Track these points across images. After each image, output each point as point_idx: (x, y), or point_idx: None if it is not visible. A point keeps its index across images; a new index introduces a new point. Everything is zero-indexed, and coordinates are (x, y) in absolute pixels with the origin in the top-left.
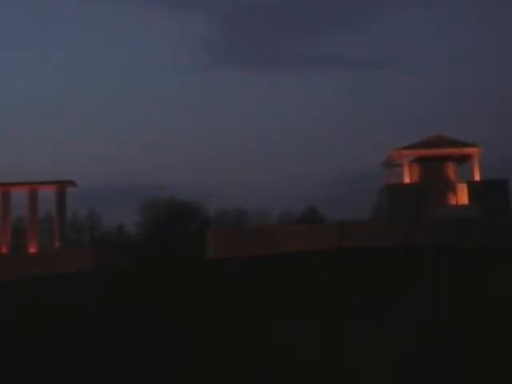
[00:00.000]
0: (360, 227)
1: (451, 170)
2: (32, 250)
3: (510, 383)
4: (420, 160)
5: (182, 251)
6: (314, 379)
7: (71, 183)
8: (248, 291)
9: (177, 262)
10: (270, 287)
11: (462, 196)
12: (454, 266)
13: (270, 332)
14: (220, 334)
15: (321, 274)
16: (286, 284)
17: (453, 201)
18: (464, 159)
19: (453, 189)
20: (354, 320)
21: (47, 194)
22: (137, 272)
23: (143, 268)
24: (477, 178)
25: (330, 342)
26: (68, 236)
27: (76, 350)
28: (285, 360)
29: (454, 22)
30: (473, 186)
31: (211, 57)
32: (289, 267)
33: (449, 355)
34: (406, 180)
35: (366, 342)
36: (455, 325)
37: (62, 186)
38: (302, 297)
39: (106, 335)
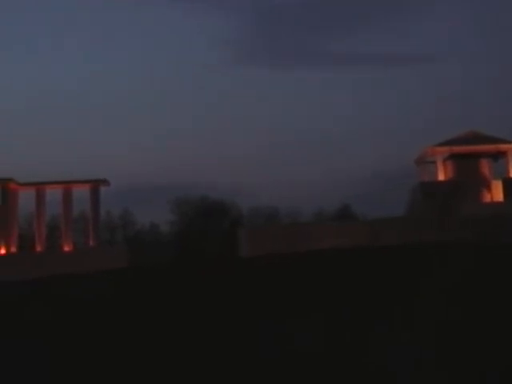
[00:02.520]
0: (393, 224)
1: (486, 166)
2: (66, 248)
3: None
4: (454, 157)
5: (215, 250)
6: (334, 376)
7: (104, 182)
8: (278, 289)
9: (209, 261)
10: (301, 284)
11: (497, 193)
12: (488, 263)
13: (293, 329)
14: (250, 331)
15: (352, 271)
16: (316, 281)
17: (487, 198)
18: (499, 156)
19: (487, 186)
20: (379, 318)
21: (81, 192)
22: (169, 271)
23: (176, 267)
24: None
25: (353, 340)
26: (102, 234)
27: (108, 348)
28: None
29: (491, 18)
30: (508, 183)
31: (239, 55)
32: (320, 265)
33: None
34: (440, 177)
35: (390, 341)
36: (487, 324)
37: (95, 184)
38: (329, 294)
39: (138, 333)
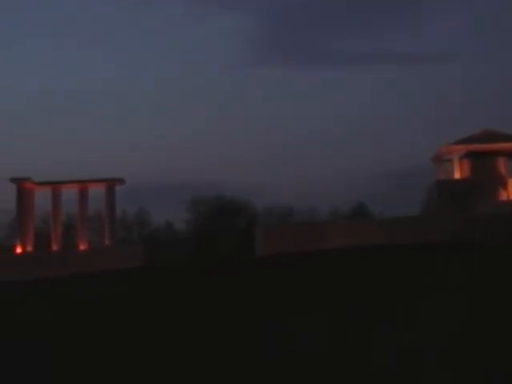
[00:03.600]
0: (409, 223)
1: (502, 164)
2: (82, 247)
3: None
4: (470, 155)
5: (230, 249)
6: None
7: (120, 181)
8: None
9: (221, 260)
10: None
11: None
12: (504, 264)
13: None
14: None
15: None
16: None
17: (504, 196)
18: None
19: (504, 184)
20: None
21: (97, 191)
22: (180, 270)
23: (187, 266)
24: None
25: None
26: (118, 233)
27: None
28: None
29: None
30: None
31: (257, 55)
32: (326, 264)
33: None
34: (456, 176)
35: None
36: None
37: (111, 183)
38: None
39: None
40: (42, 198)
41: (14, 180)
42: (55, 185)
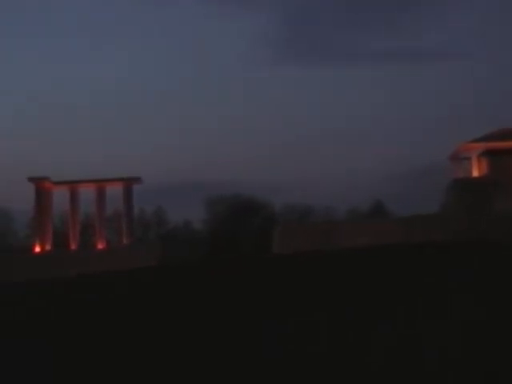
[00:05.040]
0: (427, 222)
1: None
2: (100, 246)
3: None
4: (489, 153)
5: (248, 248)
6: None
7: (137, 180)
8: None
9: (232, 260)
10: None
11: None
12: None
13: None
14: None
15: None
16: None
17: None
18: None
19: None
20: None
21: (114, 191)
22: (192, 269)
23: (200, 265)
24: None
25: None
26: (135, 232)
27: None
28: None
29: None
30: None
31: (274, 53)
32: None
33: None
34: (475, 174)
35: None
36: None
37: (128, 182)
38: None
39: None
40: (59, 198)
41: (32, 180)
42: (73, 184)
